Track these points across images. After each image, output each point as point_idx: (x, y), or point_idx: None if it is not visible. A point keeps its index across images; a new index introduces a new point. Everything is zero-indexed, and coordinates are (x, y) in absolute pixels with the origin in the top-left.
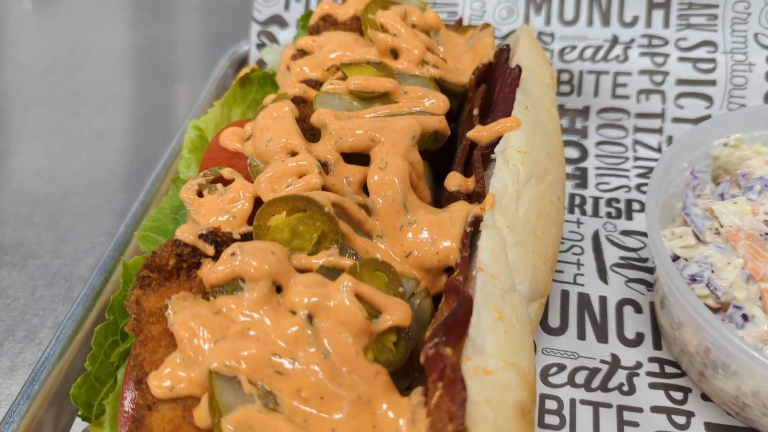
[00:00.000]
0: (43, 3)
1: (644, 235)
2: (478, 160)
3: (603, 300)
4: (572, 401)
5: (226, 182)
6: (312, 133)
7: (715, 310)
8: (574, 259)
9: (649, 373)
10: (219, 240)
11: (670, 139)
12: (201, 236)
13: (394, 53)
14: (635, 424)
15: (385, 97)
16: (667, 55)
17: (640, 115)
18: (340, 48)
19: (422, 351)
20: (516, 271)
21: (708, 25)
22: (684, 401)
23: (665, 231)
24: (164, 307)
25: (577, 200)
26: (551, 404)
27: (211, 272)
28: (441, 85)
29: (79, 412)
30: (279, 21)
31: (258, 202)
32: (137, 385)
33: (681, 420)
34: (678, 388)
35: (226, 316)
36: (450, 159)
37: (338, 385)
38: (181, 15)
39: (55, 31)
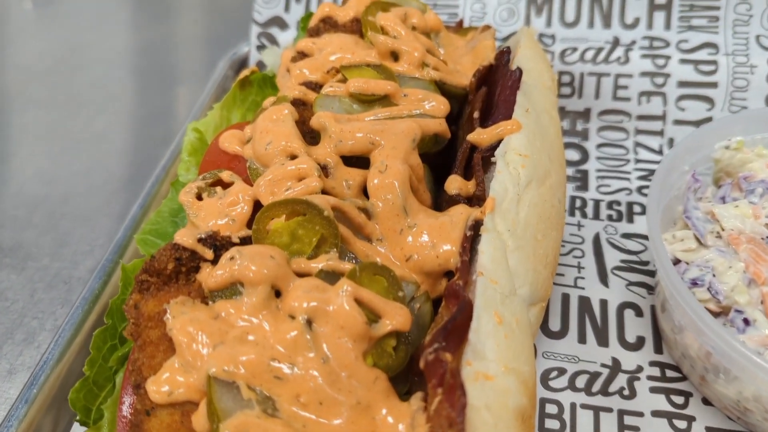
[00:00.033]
0: (43, 3)
1: (645, 238)
2: (479, 163)
3: (604, 303)
4: (572, 405)
5: (226, 185)
6: (312, 136)
7: (716, 314)
8: (574, 262)
9: (650, 377)
10: (218, 244)
11: (671, 142)
12: (200, 240)
13: (395, 55)
14: (636, 429)
15: (385, 100)
16: (668, 57)
17: (641, 118)
18: (340, 50)
19: (422, 356)
20: (516, 276)
21: (709, 26)
22: (685, 405)
23: (666, 234)
24: (163, 312)
25: (578, 203)
26: (551, 408)
27: (210, 276)
28: (441, 87)
29: (78, 417)
30: (279, 22)
31: (257, 205)
32: (135, 390)
33: (682, 425)
34: (679, 393)
35: (225, 320)
36: (450, 161)
37: (337, 390)
38: (182, 16)
39: (55, 32)
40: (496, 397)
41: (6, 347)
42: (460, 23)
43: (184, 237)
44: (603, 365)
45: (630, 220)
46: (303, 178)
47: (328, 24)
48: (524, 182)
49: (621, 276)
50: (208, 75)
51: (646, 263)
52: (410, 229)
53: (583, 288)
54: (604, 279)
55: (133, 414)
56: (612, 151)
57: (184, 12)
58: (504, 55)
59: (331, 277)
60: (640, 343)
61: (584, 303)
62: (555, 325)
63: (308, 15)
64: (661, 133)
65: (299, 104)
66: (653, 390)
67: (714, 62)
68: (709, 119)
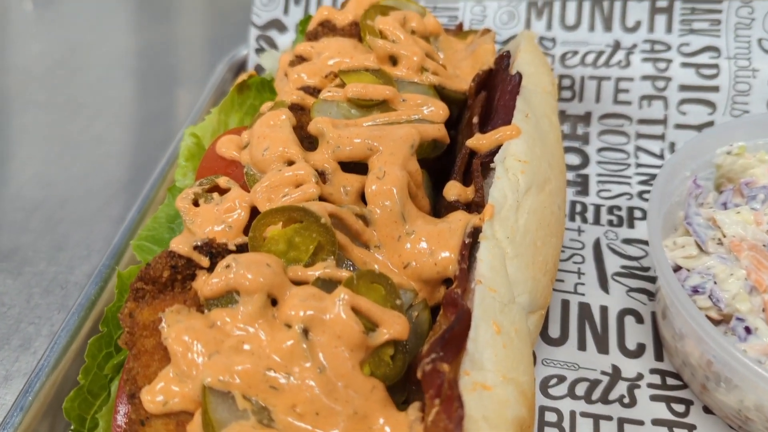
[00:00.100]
0: (43, 4)
1: (646, 243)
2: (478, 169)
3: (604, 310)
4: (572, 413)
5: (222, 191)
6: (310, 141)
7: (717, 322)
8: (574, 267)
9: (651, 385)
10: (214, 251)
11: (672, 146)
12: (196, 248)
13: (393, 60)
14: None
15: (383, 105)
16: (669, 61)
17: (642, 122)
18: (338, 54)
19: (419, 366)
20: (515, 284)
21: (711, 30)
22: (686, 414)
23: (667, 241)
24: (158, 321)
25: (578, 208)
26: (551, 416)
27: (205, 284)
28: (440, 92)
29: (72, 427)
30: (278, 25)
31: (254, 211)
32: (130, 400)
33: None
34: (680, 401)
35: (221, 329)
36: (449, 166)
37: (334, 400)
38: (182, 17)
39: (55, 33)
40: (495, 408)
41: (2, 353)
42: (460, 26)
43: (180, 244)
44: (603, 372)
45: (631, 226)
46: (300, 184)
47: (327, 28)
48: (523, 189)
49: (621, 282)
50: (208, 77)
51: (647, 269)
52: (408, 236)
53: (583, 294)
54: (604, 285)
55: (128, 424)
56: (613, 156)
57: (184, 13)
58: (504, 60)
59: (328, 285)
60: (640, 350)
61: (584, 309)
62: (555, 331)
63: (307, 18)
64: (662, 137)
65: (297, 109)
66: (654, 398)
67: (716, 66)
68: (710, 123)
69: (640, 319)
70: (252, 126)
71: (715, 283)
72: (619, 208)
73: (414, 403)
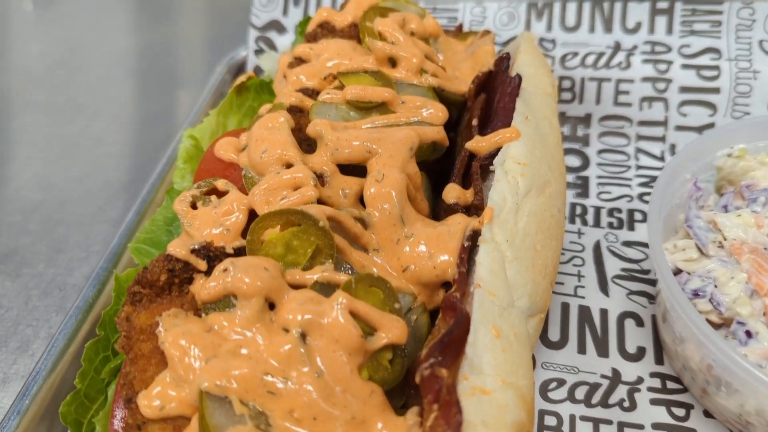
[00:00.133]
0: (43, 5)
1: (646, 246)
2: (477, 171)
3: (604, 313)
4: (572, 417)
5: (221, 194)
6: (308, 144)
7: (718, 326)
8: (574, 270)
9: (651, 389)
10: (212, 255)
11: (672, 148)
12: (193, 251)
13: (392, 62)
14: None
15: (382, 107)
16: (670, 62)
17: (642, 123)
18: (337, 56)
19: (418, 371)
20: (515, 287)
21: (712, 31)
22: (686, 418)
23: (667, 243)
24: (155, 325)
25: (578, 210)
26: (550, 420)
27: (203, 288)
28: (440, 94)
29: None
30: (277, 26)
31: (252, 214)
32: (127, 404)
33: None
34: (680, 405)
35: (218, 333)
36: (449, 168)
37: (332, 405)
38: (182, 17)
39: (55, 33)
40: (494, 413)
41: (0, 355)
42: (460, 27)
43: (177, 248)
44: (603, 376)
45: (631, 228)
46: (298, 187)
47: (326, 29)
48: (523, 191)
49: (622, 285)
50: (208, 78)
51: (648, 272)
52: (407, 239)
53: (583, 297)
54: (604, 288)
55: (125, 428)
56: (613, 157)
57: (184, 13)
58: (503, 61)
59: (326, 288)
60: (640, 353)
61: (584, 312)
62: (554, 335)
63: (306, 19)
64: (662, 139)
65: (296, 111)
66: (654, 402)
67: (716, 67)
68: (711, 125)
69: (640, 323)
70: (250, 128)
71: (716, 286)
72: (619, 211)
73: (412, 408)
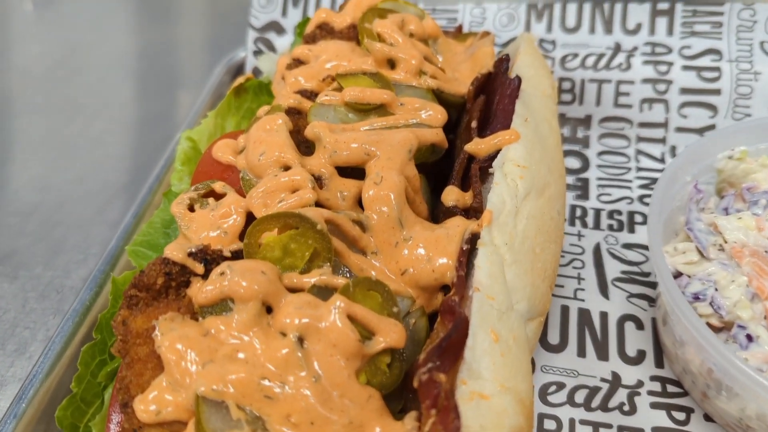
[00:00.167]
0: (43, 5)
1: (646, 248)
2: (476, 174)
3: (604, 316)
4: (571, 421)
5: (218, 196)
6: (306, 146)
7: (718, 330)
8: (574, 273)
9: (651, 393)
10: (209, 258)
11: (673, 149)
12: (190, 254)
13: (391, 63)
14: None
15: (381, 109)
16: (670, 64)
17: (643, 125)
18: (336, 58)
19: (416, 376)
20: (514, 291)
21: (712, 32)
22: (686, 422)
23: (668, 246)
24: (151, 329)
25: (578, 212)
26: (550, 424)
27: (200, 292)
28: (439, 96)
29: None
30: (276, 27)
31: (250, 217)
32: (123, 409)
33: None
34: (680, 408)
35: (215, 337)
36: (448, 170)
37: (329, 409)
38: (182, 18)
39: (55, 33)
40: (492, 418)
41: None
42: (459, 28)
43: (174, 251)
44: (603, 380)
45: (631, 230)
46: (296, 189)
47: (325, 30)
48: (522, 194)
49: (622, 288)
50: (207, 79)
51: (648, 274)
52: (406, 242)
53: (582, 300)
54: (604, 290)
55: None
56: (613, 159)
57: (183, 14)
58: (503, 63)
59: (324, 292)
60: (640, 357)
61: (584, 315)
62: (554, 338)
63: (305, 20)
64: (663, 141)
65: (294, 113)
66: (654, 405)
67: (717, 69)
68: (712, 127)
69: (640, 326)
70: (248, 130)
71: (716, 289)
72: (619, 213)
73: (410, 412)
